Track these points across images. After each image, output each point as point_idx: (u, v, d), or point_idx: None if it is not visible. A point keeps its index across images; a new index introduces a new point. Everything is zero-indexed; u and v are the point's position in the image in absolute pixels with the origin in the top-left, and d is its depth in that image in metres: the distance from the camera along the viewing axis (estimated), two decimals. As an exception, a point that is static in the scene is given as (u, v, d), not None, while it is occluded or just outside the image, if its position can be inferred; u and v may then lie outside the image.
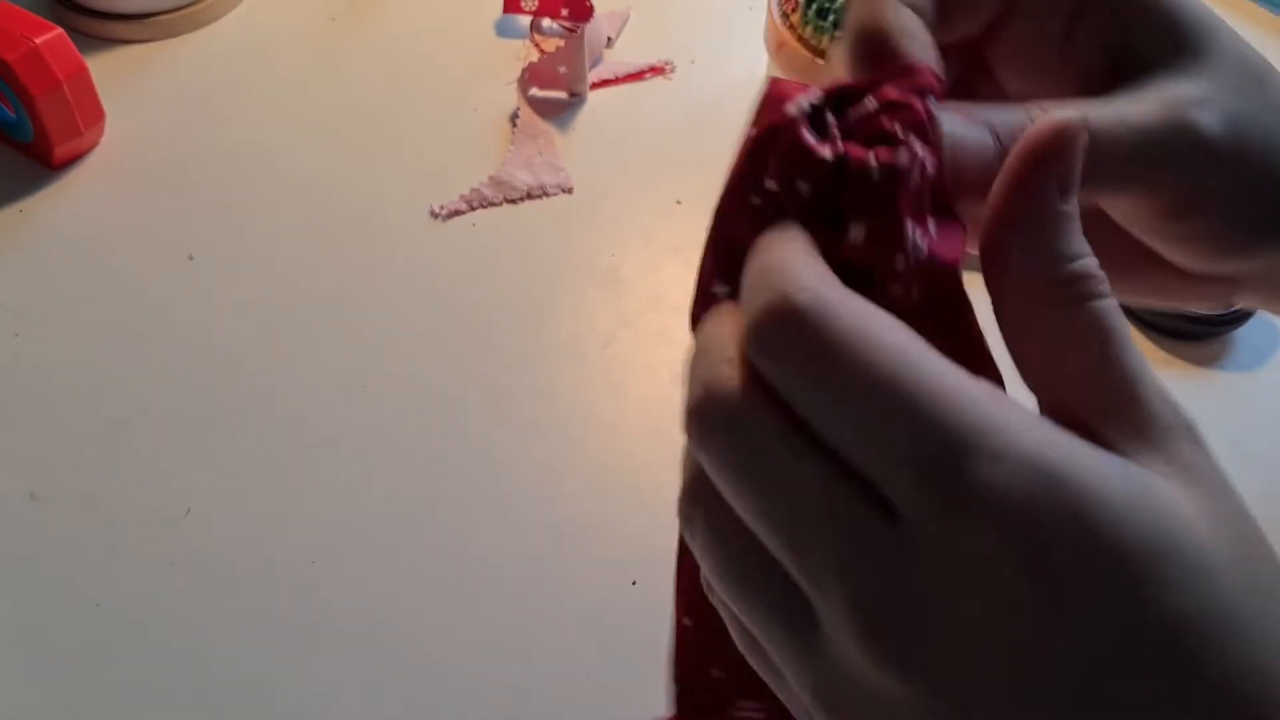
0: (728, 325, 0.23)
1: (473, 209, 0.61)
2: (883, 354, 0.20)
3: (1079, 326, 0.22)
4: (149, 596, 0.45)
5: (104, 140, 0.63)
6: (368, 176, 0.63)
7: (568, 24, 0.65)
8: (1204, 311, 0.54)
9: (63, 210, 0.60)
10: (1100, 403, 0.22)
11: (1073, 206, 0.22)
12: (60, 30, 0.59)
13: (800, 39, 0.60)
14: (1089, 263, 0.22)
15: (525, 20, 0.71)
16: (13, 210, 0.60)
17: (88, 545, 0.47)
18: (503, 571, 0.46)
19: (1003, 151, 0.24)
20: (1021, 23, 0.27)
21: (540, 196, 0.62)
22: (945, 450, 0.19)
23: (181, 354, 0.54)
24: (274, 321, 0.55)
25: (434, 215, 0.61)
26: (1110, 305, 0.22)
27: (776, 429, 0.21)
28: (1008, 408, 0.20)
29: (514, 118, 0.66)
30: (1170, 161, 0.26)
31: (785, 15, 0.61)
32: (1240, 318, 0.55)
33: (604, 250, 0.59)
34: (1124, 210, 0.28)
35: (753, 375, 0.22)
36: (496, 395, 0.52)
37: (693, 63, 0.70)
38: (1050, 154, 0.22)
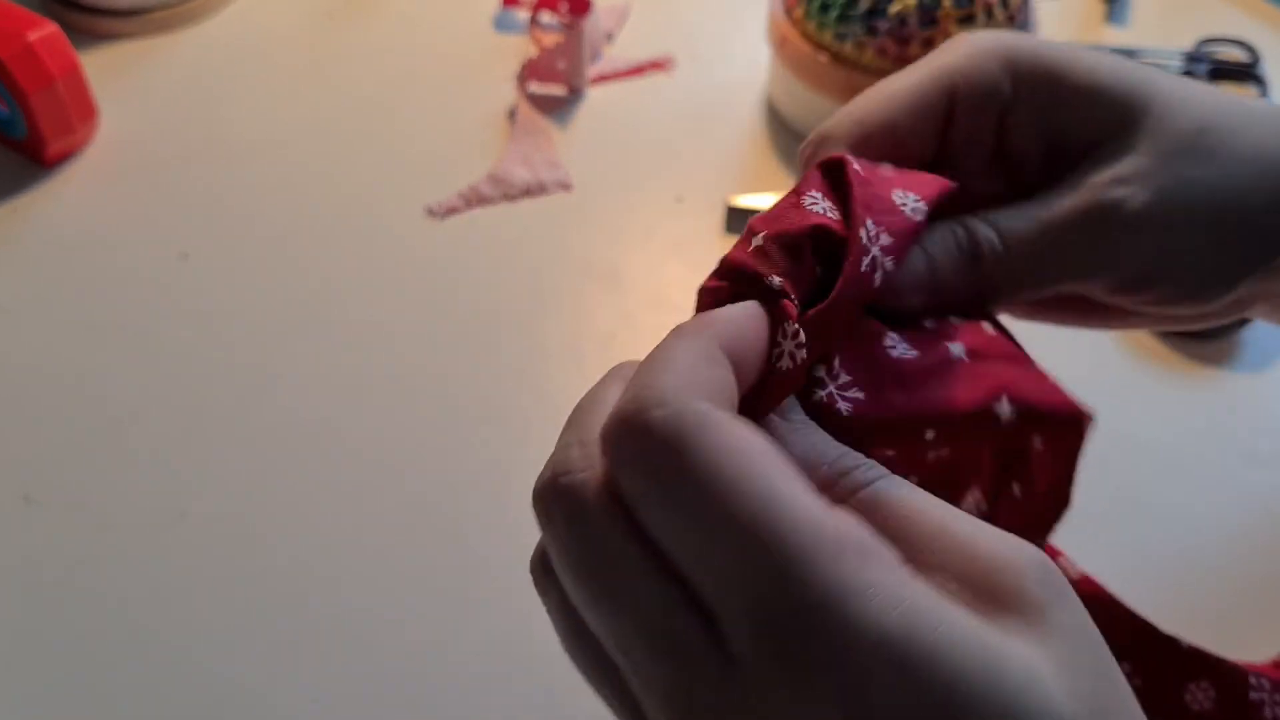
0: (611, 393, 0.23)
1: (470, 206, 0.60)
2: (737, 493, 0.19)
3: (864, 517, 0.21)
4: (145, 599, 0.45)
5: (97, 137, 0.63)
6: (364, 174, 0.62)
7: (567, 18, 0.64)
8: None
9: (56, 208, 0.60)
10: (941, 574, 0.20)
11: (798, 419, 0.22)
12: (54, 26, 0.58)
13: (803, 34, 0.59)
14: (845, 459, 0.22)
15: (524, 15, 0.71)
16: (5, 208, 0.59)
17: (83, 548, 0.46)
18: (501, 572, 0.46)
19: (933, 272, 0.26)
20: (960, 121, 0.28)
21: (539, 194, 0.61)
22: (795, 607, 0.18)
23: (176, 354, 0.53)
24: (269, 321, 0.55)
25: (431, 213, 0.60)
26: (882, 486, 0.21)
27: (620, 535, 0.20)
28: (869, 558, 0.19)
29: (512, 114, 0.65)
30: (1099, 248, 0.27)
31: (787, 10, 0.61)
32: (1245, 319, 0.54)
33: (603, 248, 0.59)
34: (1085, 290, 0.28)
35: (607, 471, 0.21)
36: (495, 394, 0.52)
37: (694, 58, 0.69)
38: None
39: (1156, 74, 0.28)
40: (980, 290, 0.27)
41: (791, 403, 0.23)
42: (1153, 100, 0.27)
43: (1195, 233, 0.27)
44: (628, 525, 0.20)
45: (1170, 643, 0.36)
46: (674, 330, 0.22)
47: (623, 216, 0.60)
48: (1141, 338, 0.55)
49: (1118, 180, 0.27)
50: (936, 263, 0.26)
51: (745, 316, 0.23)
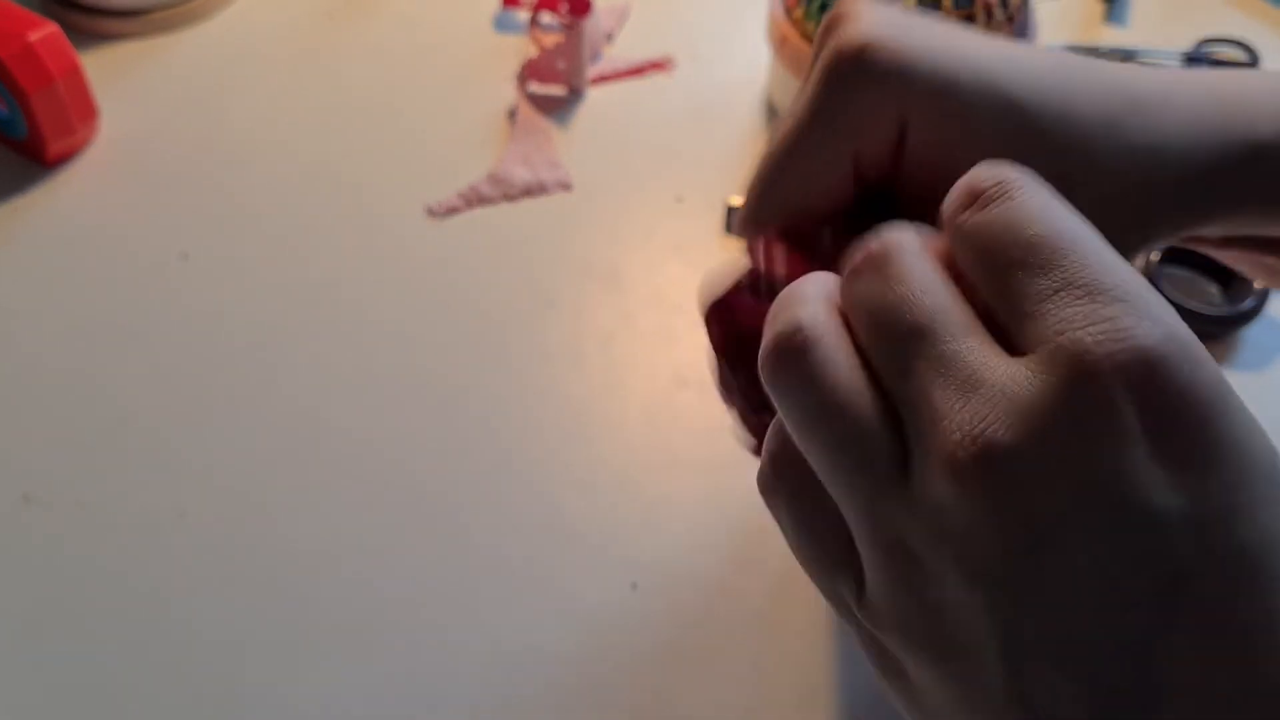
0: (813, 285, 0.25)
1: (470, 206, 0.60)
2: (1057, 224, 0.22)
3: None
4: (145, 598, 0.45)
5: (98, 137, 0.63)
6: (364, 174, 0.62)
7: (567, 19, 0.64)
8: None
9: (56, 208, 0.60)
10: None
11: None
12: (54, 26, 0.58)
13: (803, 34, 0.59)
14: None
15: (524, 15, 0.71)
16: (6, 208, 0.59)
17: (83, 548, 0.46)
18: (501, 572, 0.46)
19: None
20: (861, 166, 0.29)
21: (539, 194, 0.61)
22: (1102, 302, 0.20)
23: (176, 353, 0.53)
24: (269, 320, 0.55)
25: (431, 213, 0.60)
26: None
27: (847, 350, 0.23)
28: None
29: (512, 114, 0.65)
30: None
31: (787, 10, 0.61)
32: (1246, 317, 0.54)
33: (603, 248, 0.59)
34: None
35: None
36: (495, 394, 0.52)
37: (694, 58, 0.69)
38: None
39: (1018, 86, 0.28)
40: None
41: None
42: (1025, 132, 0.28)
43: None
44: (849, 345, 0.23)
45: None
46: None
47: (623, 216, 0.60)
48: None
49: None
50: None
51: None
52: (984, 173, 0.23)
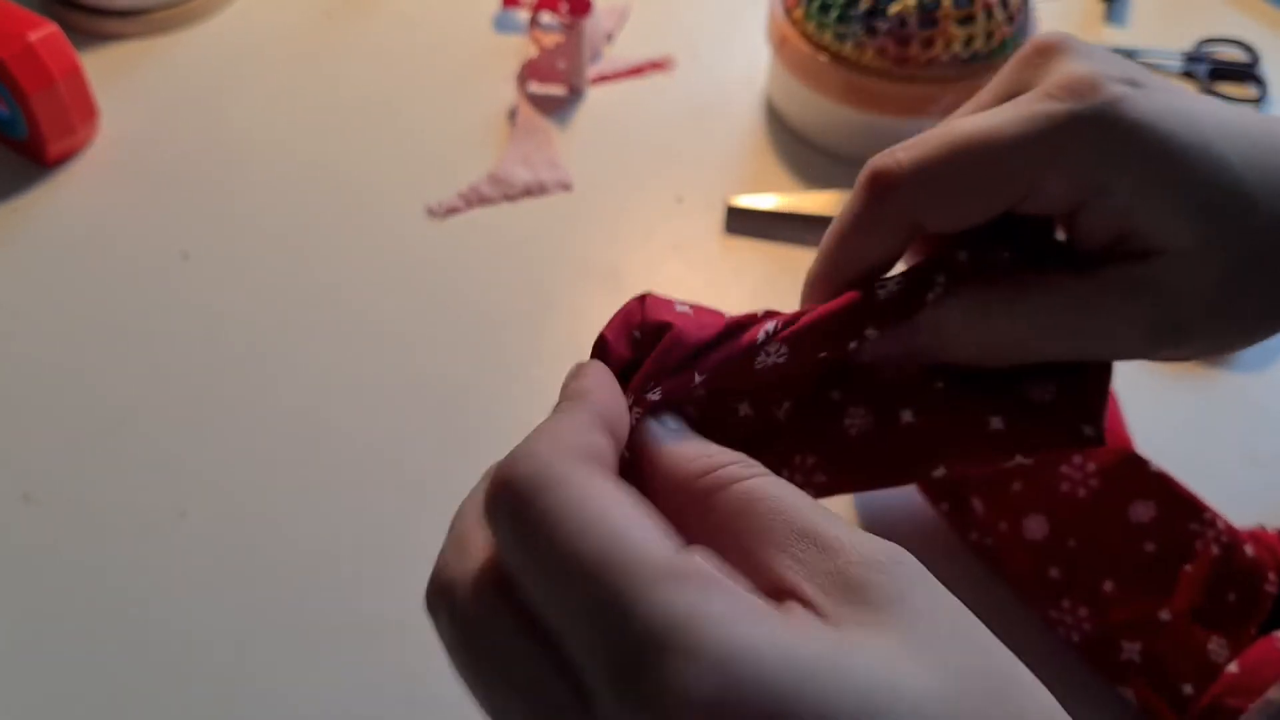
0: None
1: (471, 206, 0.60)
2: (585, 536, 0.19)
3: (725, 515, 0.22)
4: (145, 598, 0.45)
5: (98, 137, 0.63)
6: (364, 174, 0.62)
7: (567, 19, 0.64)
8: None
9: (56, 208, 0.60)
10: (791, 574, 0.21)
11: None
12: (54, 27, 0.58)
13: (803, 34, 0.59)
14: (714, 457, 0.23)
15: (524, 15, 0.71)
16: (6, 208, 0.59)
17: (83, 548, 0.46)
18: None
19: None
20: (1032, 198, 0.27)
21: (539, 194, 0.61)
22: (637, 645, 0.18)
23: (177, 353, 0.53)
24: (270, 320, 0.55)
25: (431, 213, 0.60)
26: (754, 485, 0.22)
27: (492, 613, 0.21)
28: (713, 593, 0.19)
29: (512, 114, 0.65)
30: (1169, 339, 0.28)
31: (787, 10, 0.61)
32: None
33: (603, 248, 0.59)
34: None
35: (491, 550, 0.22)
36: (495, 394, 0.52)
37: (694, 58, 0.69)
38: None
39: (1246, 173, 0.27)
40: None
41: (666, 412, 0.26)
42: (1239, 210, 0.26)
43: (1251, 323, 0.28)
44: (498, 601, 0.21)
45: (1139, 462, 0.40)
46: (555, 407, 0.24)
47: (623, 216, 0.60)
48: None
49: (1191, 293, 0.27)
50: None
51: (613, 392, 0.25)
52: None
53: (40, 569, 0.46)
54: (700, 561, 0.20)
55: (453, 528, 0.24)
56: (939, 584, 0.21)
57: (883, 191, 0.27)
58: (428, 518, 0.48)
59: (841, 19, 0.57)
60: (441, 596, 0.22)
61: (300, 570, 0.46)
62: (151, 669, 0.43)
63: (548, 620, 0.20)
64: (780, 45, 0.61)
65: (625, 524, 0.20)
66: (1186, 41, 0.70)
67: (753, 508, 0.22)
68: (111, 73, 0.66)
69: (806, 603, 0.20)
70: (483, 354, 0.54)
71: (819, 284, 0.30)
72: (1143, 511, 0.40)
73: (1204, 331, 0.27)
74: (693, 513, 0.23)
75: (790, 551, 0.21)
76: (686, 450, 0.24)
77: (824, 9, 0.58)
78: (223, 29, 0.70)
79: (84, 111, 0.61)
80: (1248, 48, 0.70)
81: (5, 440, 0.50)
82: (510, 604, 0.21)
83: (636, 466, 0.25)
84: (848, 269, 0.30)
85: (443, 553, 0.23)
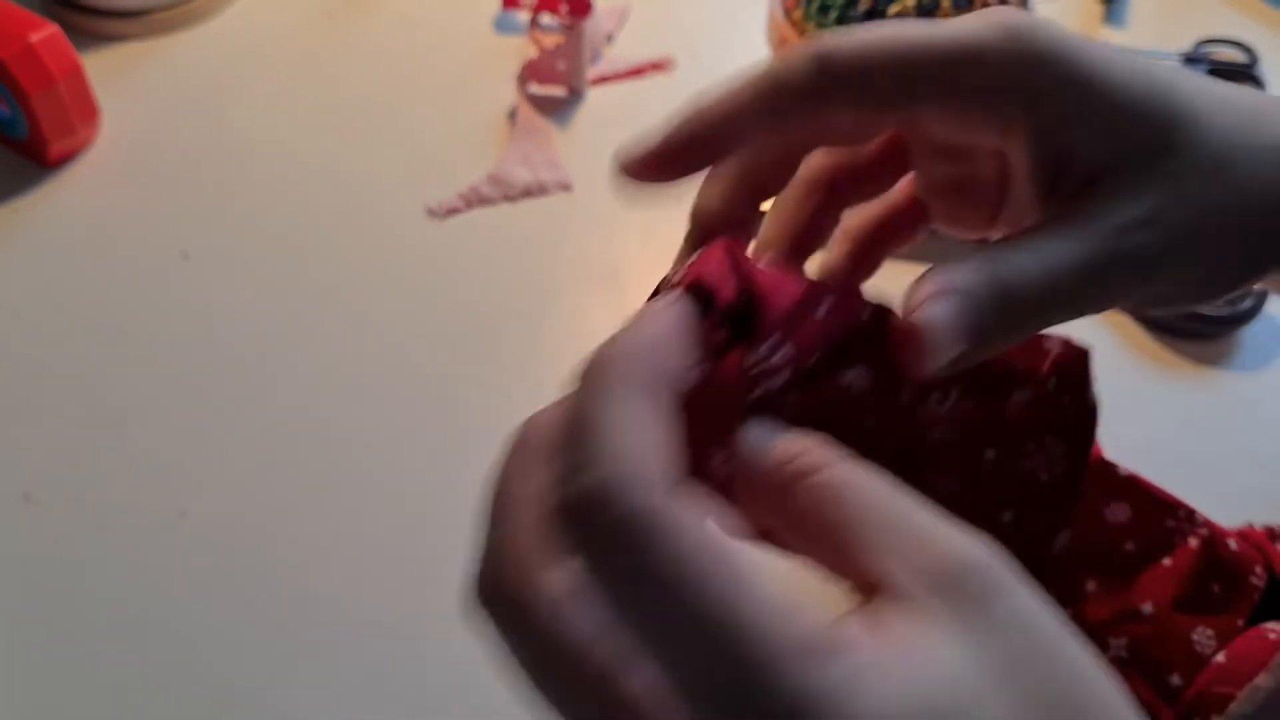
0: (533, 475, 0.22)
1: (471, 207, 0.61)
2: (702, 591, 0.18)
3: (810, 503, 0.21)
4: (145, 598, 0.45)
5: (99, 138, 0.63)
6: (365, 174, 0.62)
7: (567, 20, 0.64)
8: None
9: (57, 208, 0.60)
10: (862, 576, 0.21)
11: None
12: (55, 27, 0.58)
13: (802, 35, 0.59)
14: (794, 445, 0.22)
15: (524, 16, 0.71)
16: (7, 208, 0.59)
17: (83, 547, 0.46)
18: (501, 574, 0.46)
19: None
20: (970, 103, 0.26)
21: (539, 194, 0.61)
22: (754, 706, 0.18)
23: (177, 353, 0.53)
24: (270, 321, 0.55)
25: (431, 213, 0.60)
26: (840, 474, 0.21)
27: (571, 638, 0.20)
28: (826, 659, 0.18)
29: (512, 115, 0.65)
30: (1109, 290, 0.26)
31: (787, 11, 0.61)
32: (1246, 317, 0.54)
33: (603, 248, 0.59)
34: None
35: (555, 553, 0.20)
36: (495, 396, 0.52)
37: (694, 59, 0.69)
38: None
39: (1184, 87, 0.26)
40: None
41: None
42: (1177, 127, 0.26)
43: (1207, 260, 0.27)
44: (581, 627, 0.20)
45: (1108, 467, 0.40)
46: (601, 374, 0.21)
47: (623, 216, 0.60)
48: (1141, 338, 0.55)
49: (1133, 224, 0.25)
50: (982, 305, 0.24)
51: (672, 332, 0.22)
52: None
53: (40, 569, 0.46)
54: (815, 623, 0.19)
55: (499, 518, 0.22)
56: (1025, 589, 0.20)
57: (816, 73, 0.26)
58: (428, 517, 0.48)
59: (841, 20, 0.57)
60: (499, 598, 0.21)
61: (300, 570, 0.46)
62: (151, 668, 0.43)
63: (639, 649, 0.19)
64: (780, 46, 0.61)
65: (738, 584, 0.19)
66: (1185, 42, 0.70)
67: (841, 496, 0.21)
68: (112, 73, 0.67)
69: (897, 596, 0.20)
70: (483, 354, 0.54)
71: (706, 213, 0.28)
72: (1119, 512, 0.40)
73: (1149, 272, 0.26)
74: (772, 500, 0.22)
75: (882, 544, 0.20)
76: (765, 433, 0.22)
77: (824, 10, 0.58)
78: (223, 30, 0.70)
79: (85, 112, 0.61)
80: (1246, 48, 0.70)
81: (5, 440, 0.50)
82: (593, 624, 0.20)
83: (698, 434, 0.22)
84: (741, 191, 0.28)
85: (492, 548, 0.22)
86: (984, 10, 0.27)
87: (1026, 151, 0.26)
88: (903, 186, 0.31)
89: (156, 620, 0.44)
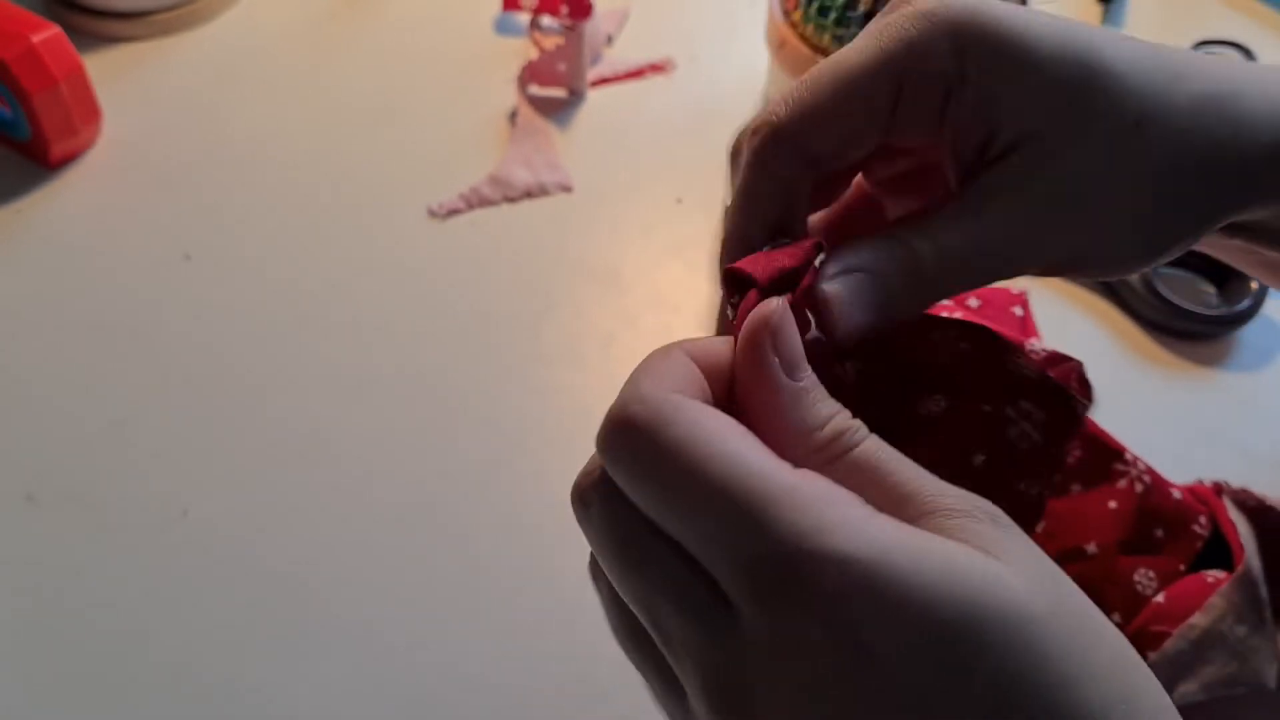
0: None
1: (471, 208, 0.61)
2: (710, 463, 0.21)
3: (842, 479, 0.23)
4: (147, 598, 0.45)
5: (101, 139, 0.63)
6: (366, 175, 0.62)
7: (567, 21, 0.65)
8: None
9: (59, 210, 0.60)
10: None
11: (804, 379, 0.24)
12: (57, 29, 0.59)
13: (801, 36, 0.60)
14: (836, 423, 0.24)
15: (524, 18, 0.71)
16: (9, 210, 0.60)
17: (85, 547, 0.46)
18: (501, 573, 0.46)
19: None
20: (905, 104, 0.27)
21: (539, 195, 0.61)
22: (769, 553, 0.21)
23: (178, 354, 0.53)
24: (272, 321, 0.55)
25: (432, 214, 0.60)
26: (865, 449, 0.23)
27: (627, 518, 0.23)
28: (832, 503, 0.21)
29: (513, 116, 0.65)
30: (1031, 250, 0.27)
31: (786, 13, 0.61)
32: (1244, 317, 0.54)
33: (603, 249, 0.59)
34: None
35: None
36: (496, 395, 0.52)
37: (693, 60, 0.70)
38: (767, 343, 0.24)
39: (1104, 44, 0.27)
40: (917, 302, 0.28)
41: (800, 361, 0.25)
42: (1096, 90, 0.27)
43: (1125, 223, 0.27)
44: (631, 509, 0.23)
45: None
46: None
47: (623, 217, 0.60)
48: (1140, 338, 0.55)
49: (1054, 182, 0.27)
50: (886, 281, 0.26)
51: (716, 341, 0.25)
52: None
53: (40, 569, 0.46)
54: (817, 478, 0.22)
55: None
56: (1031, 542, 0.23)
57: (772, 143, 0.28)
58: (428, 516, 0.48)
59: (840, 21, 0.57)
60: (579, 495, 0.24)
61: (300, 570, 0.46)
62: (152, 668, 0.43)
63: (676, 534, 0.22)
64: (779, 47, 0.61)
65: (741, 449, 0.22)
66: (1184, 43, 0.71)
67: (872, 465, 0.23)
68: (114, 74, 0.67)
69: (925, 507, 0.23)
70: (483, 353, 0.54)
71: (732, 247, 0.30)
72: (1068, 454, 0.42)
73: (1063, 238, 0.27)
74: (815, 464, 0.24)
75: (904, 510, 0.23)
76: (806, 418, 0.24)
77: (823, 11, 0.58)
78: (225, 31, 0.71)
79: (86, 113, 0.61)
80: (1245, 49, 0.70)
81: (7, 440, 0.50)
82: (646, 523, 0.23)
83: (744, 403, 0.25)
84: (754, 229, 0.29)
85: (590, 462, 0.25)
86: (905, 9, 0.27)
87: (957, 133, 0.28)
88: (856, 185, 0.32)
89: (157, 620, 0.44)
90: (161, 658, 0.43)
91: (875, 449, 0.24)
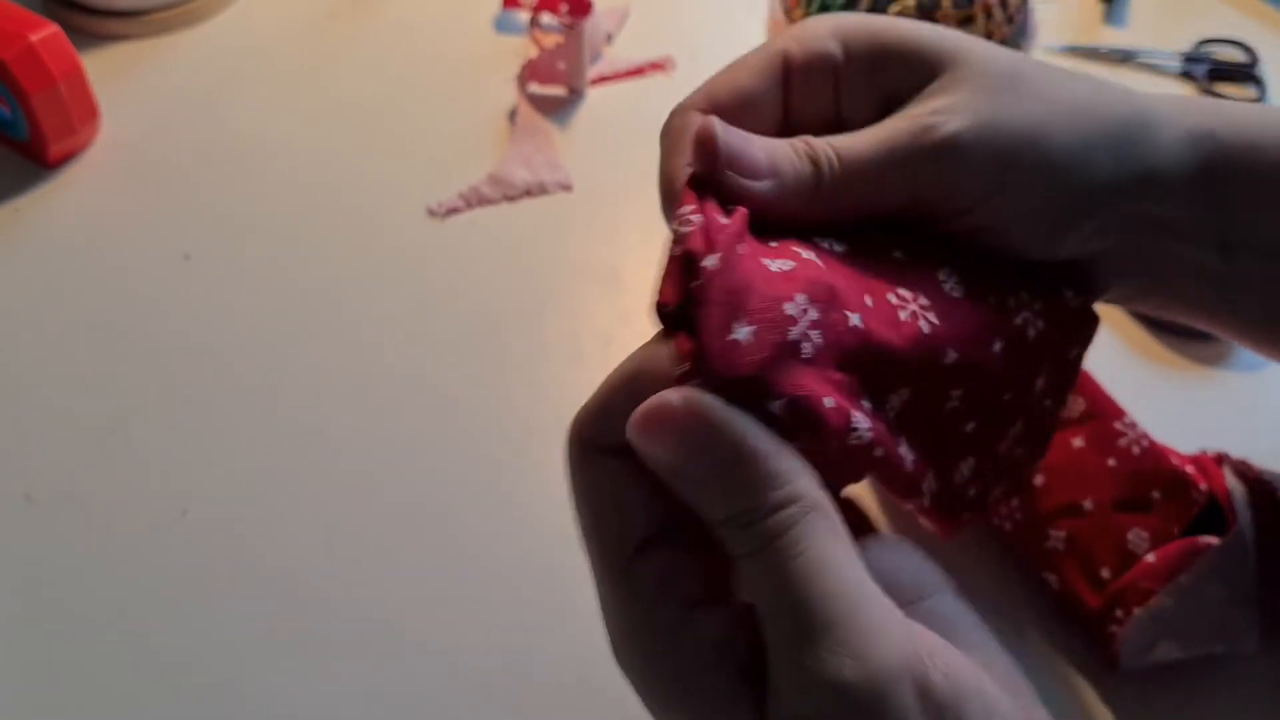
0: None
1: (471, 207, 0.61)
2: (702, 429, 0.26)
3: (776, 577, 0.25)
4: (146, 598, 0.45)
5: (99, 138, 0.63)
6: (365, 175, 0.62)
7: (567, 20, 0.64)
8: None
9: (58, 209, 0.60)
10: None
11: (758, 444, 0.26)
12: (56, 27, 0.58)
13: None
14: (791, 490, 0.25)
15: (524, 16, 0.71)
16: (7, 209, 0.60)
17: (84, 547, 0.46)
18: (501, 573, 0.46)
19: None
20: (798, 86, 0.31)
21: (539, 194, 0.61)
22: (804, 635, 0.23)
23: (178, 354, 0.53)
24: (271, 321, 0.55)
25: (432, 213, 0.60)
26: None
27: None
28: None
29: (513, 115, 0.65)
30: (920, 165, 0.29)
31: (787, 11, 0.61)
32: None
33: (603, 248, 0.59)
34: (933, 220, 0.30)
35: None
36: (495, 395, 0.52)
37: (693, 59, 0.69)
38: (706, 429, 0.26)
39: (966, 36, 0.31)
40: (824, 206, 0.29)
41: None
42: (965, 53, 0.30)
43: (1015, 163, 0.29)
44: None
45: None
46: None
47: (623, 216, 0.60)
48: (1141, 338, 0.55)
49: (939, 110, 0.29)
50: (779, 166, 0.28)
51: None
52: None
53: (40, 569, 0.46)
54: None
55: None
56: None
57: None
58: (427, 516, 0.48)
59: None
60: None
61: (300, 570, 0.46)
62: (152, 668, 0.43)
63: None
64: (780, 46, 0.61)
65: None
66: (1185, 42, 0.70)
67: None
68: (113, 74, 0.67)
69: None
70: (483, 353, 0.54)
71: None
72: (1072, 407, 0.43)
73: (949, 164, 0.29)
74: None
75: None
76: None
77: (824, 10, 0.58)
78: (224, 30, 0.71)
79: (85, 112, 0.61)
80: (1247, 48, 0.70)
81: (6, 440, 0.50)
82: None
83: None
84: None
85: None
86: (796, 24, 0.32)
87: (854, 109, 0.31)
88: None
89: (156, 620, 0.44)
90: (161, 658, 0.43)
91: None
